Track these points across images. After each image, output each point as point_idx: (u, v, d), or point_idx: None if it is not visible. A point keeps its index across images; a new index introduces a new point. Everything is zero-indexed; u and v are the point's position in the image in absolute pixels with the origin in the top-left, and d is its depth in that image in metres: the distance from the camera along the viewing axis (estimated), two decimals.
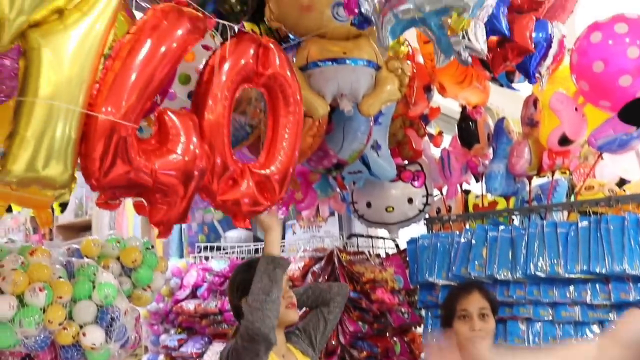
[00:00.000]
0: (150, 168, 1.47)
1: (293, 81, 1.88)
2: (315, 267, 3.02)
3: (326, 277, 2.94)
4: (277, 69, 1.82)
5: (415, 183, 3.14)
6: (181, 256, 4.41)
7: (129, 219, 4.47)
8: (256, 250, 3.70)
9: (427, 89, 3.19)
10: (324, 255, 3.04)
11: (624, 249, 2.48)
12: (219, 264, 3.57)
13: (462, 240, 2.91)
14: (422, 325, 3.27)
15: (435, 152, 3.44)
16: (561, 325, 2.63)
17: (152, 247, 2.16)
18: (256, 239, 4.27)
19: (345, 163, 2.41)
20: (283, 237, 4.32)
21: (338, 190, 3.32)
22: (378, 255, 3.41)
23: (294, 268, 3.07)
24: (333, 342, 2.88)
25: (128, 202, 2.41)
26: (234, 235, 4.29)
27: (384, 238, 3.67)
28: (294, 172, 1.98)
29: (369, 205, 3.16)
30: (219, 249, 3.94)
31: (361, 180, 2.81)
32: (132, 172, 1.43)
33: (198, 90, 1.71)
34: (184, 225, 4.52)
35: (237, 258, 3.70)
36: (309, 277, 2.98)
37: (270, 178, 1.83)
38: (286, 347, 2.13)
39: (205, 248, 3.93)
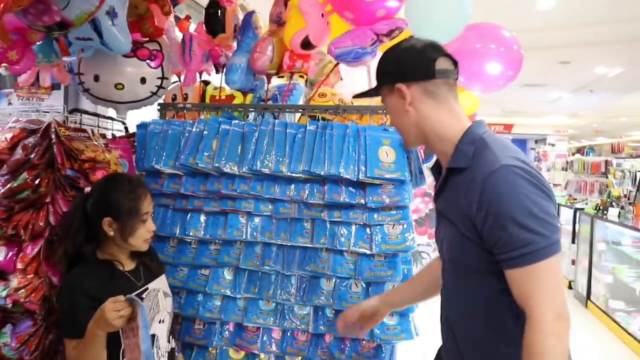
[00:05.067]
0: None
1: None
2: (29, 140, 2.68)
3: (40, 152, 2.63)
4: None
5: (152, 63, 2.93)
6: None
7: None
8: None
9: None
10: (39, 127, 2.71)
11: (342, 155, 2.64)
12: None
13: (194, 130, 2.84)
14: None
15: (179, 37, 3.26)
16: (278, 220, 2.75)
17: None
18: None
19: (70, 24, 2.10)
20: None
21: (65, 59, 2.96)
22: (103, 136, 3.17)
23: (1, 139, 2.70)
24: (41, 224, 2.61)
25: None
26: None
27: (112, 119, 3.41)
28: (5, 9, 1.61)
29: (96, 78, 2.87)
30: None
31: (90, 49, 2.51)
32: None
33: None
34: None
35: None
36: (20, 151, 2.65)
37: None
38: None
39: None
